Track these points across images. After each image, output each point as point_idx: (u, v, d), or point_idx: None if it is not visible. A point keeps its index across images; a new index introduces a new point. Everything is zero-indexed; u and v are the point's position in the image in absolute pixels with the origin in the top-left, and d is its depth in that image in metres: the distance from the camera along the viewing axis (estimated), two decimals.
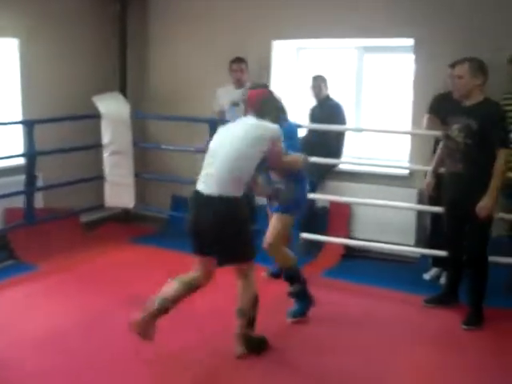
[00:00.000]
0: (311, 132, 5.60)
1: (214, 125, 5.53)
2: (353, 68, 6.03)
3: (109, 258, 5.29)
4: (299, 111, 6.14)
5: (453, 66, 4.23)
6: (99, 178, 5.68)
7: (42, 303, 4.28)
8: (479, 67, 3.96)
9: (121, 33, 6.56)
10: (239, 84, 5.74)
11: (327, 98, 5.69)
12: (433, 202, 4.71)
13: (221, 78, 5.80)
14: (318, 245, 5.47)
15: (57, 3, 5.97)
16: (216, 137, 3.52)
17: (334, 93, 5.77)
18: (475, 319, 4.05)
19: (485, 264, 4.10)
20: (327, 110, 5.61)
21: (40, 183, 5.53)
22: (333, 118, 5.49)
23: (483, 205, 3.88)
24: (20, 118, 5.64)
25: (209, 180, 3.33)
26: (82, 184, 5.79)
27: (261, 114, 3.53)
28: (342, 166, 5.70)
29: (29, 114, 5.57)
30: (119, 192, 5.55)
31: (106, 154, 5.62)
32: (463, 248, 4.17)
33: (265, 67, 6.03)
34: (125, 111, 5.74)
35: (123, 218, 6.33)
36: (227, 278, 3.51)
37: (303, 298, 4.10)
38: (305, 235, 5.26)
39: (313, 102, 5.79)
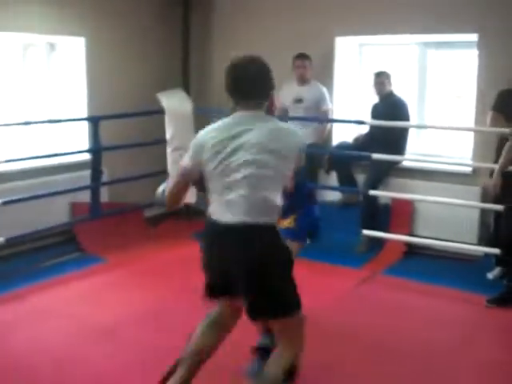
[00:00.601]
0: (374, 128, 5.55)
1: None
2: (416, 64, 5.94)
3: (172, 253, 5.39)
4: (362, 108, 6.10)
5: None
6: (162, 173, 5.76)
7: (109, 294, 4.41)
8: None
9: (184, 31, 6.70)
10: (302, 80, 5.74)
11: (390, 94, 5.61)
12: (497, 200, 4.61)
13: (284, 76, 5.79)
14: (380, 242, 5.41)
15: (122, 3, 6.13)
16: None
17: (397, 89, 5.69)
18: None
19: None
20: (390, 107, 5.54)
21: (105, 178, 5.68)
22: (396, 115, 5.42)
23: None
24: (86, 114, 5.81)
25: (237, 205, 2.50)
26: (145, 179, 5.90)
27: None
28: (405, 163, 5.61)
29: (94, 111, 5.73)
30: None
31: (168, 150, 5.70)
32: None
33: (327, 64, 6.01)
34: (187, 107, 5.81)
35: (185, 213, 6.42)
36: None
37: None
38: (366, 232, 5.22)
39: (375, 99, 5.73)
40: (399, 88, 5.75)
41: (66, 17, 5.65)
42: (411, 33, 5.62)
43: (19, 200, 4.79)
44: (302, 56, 5.69)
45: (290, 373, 2.84)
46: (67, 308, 4.14)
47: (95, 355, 3.44)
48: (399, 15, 5.53)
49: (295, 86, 5.77)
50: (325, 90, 5.81)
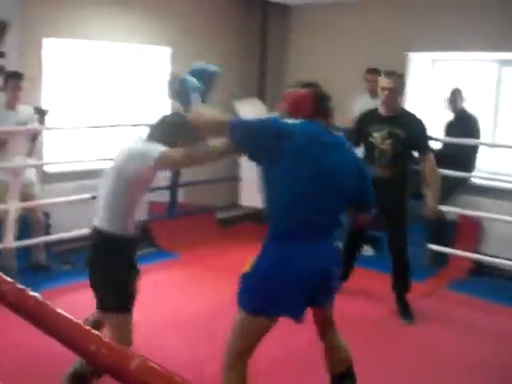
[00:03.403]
0: (447, 146, 5.62)
1: (349, 133, 5.74)
2: (490, 81, 5.97)
3: (242, 254, 5.60)
4: (433, 123, 6.17)
5: None
6: (236, 177, 6.03)
7: (182, 289, 4.71)
8: None
9: (261, 41, 6.98)
10: (374, 94, 5.88)
11: (463, 111, 5.67)
12: None
13: (356, 88, 5.97)
14: (445, 258, 5.46)
15: (204, 13, 6.49)
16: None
17: (470, 106, 5.74)
18: None
19: None
20: (462, 123, 5.59)
21: (181, 180, 5.99)
22: (467, 132, 5.46)
23: None
24: None
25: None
26: (220, 182, 6.19)
27: None
28: (474, 180, 5.66)
29: None
30: (254, 192, 5.85)
31: (243, 156, 5.96)
32: None
33: None
34: (262, 116, 6.05)
35: (256, 217, 6.66)
36: None
37: None
38: (432, 246, 5.30)
39: (449, 115, 5.79)
40: (473, 104, 5.80)
41: (155, 29, 6.03)
42: (486, 50, 5.68)
43: None
44: (373, 71, 5.83)
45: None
46: (144, 298, 4.40)
47: (173, 344, 3.72)
48: (473, 32, 5.60)
49: (368, 98, 5.90)
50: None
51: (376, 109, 4.43)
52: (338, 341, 2.82)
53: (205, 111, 2.76)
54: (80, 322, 1.20)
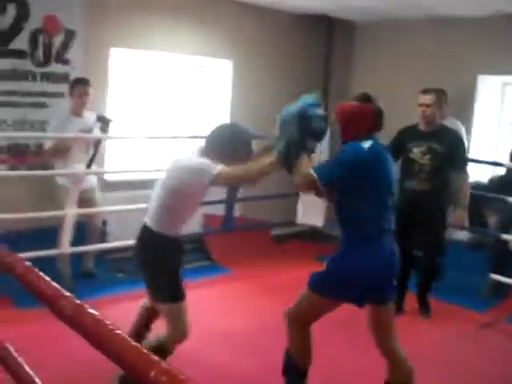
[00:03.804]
0: (510, 171, 5.41)
1: (388, 148, 5.59)
2: None
3: (294, 273, 5.51)
4: (500, 148, 5.97)
5: None
6: (293, 195, 5.95)
7: (233, 304, 4.65)
8: None
9: (325, 58, 6.91)
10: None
11: None
12: None
13: None
14: (507, 288, 5.23)
15: (267, 28, 6.46)
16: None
17: None
18: None
19: None
20: None
21: (239, 194, 5.95)
22: None
23: None
24: None
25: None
26: (276, 199, 6.13)
27: None
28: None
29: None
30: (310, 210, 5.79)
31: None
32: None
33: (468, 102, 5.95)
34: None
35: (311, 235, 6.58)
36: None
37: None
38: (494, 276, 5.08)
39: None
40: None
41: (217, 42, 6.06)
42: None
43: None
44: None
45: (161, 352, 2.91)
46: (195, 311, 4.38)
47: (222, 359, 3.67)
48: None
49: None
50: (462, 126, 5.63)
51: (416, 124, 4.62)
52: (396, 351, 2.95)
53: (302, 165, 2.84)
54: (138, 345, 1.14)
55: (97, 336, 1.20)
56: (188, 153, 3.07)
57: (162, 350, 3.00)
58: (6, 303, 4.23)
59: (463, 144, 4.61)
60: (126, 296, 4.74)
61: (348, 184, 2.81)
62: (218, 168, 2.86)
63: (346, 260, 2.88)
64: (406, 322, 4.52)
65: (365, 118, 2.83)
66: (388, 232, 2.88)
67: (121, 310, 4.47)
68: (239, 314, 4.44)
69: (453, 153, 4.45)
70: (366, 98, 2.88)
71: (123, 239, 5.04)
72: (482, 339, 4.45)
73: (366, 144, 2.79)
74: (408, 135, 4.61)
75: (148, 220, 3.10)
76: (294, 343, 2.96)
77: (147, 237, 3.10)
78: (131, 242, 4.95)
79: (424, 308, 4.82)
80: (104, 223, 5.32)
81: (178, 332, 3.09)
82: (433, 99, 4.52)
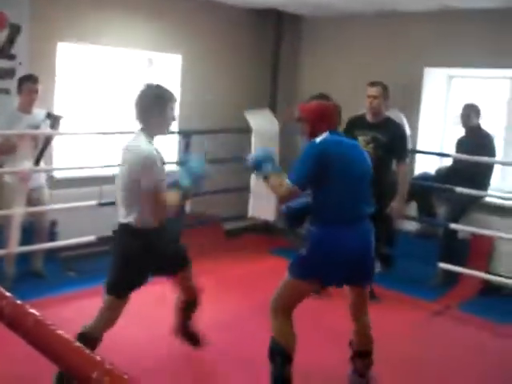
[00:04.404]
0: (458, 162, 5.53)
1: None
2: (506, 99, 5.89)
3: (248, 267, 5.56)
4: (446, 140, 6.10)
5: None
6: (244, 189, 5.96)
7: None
8: None
9: (274, 55, 6.94)
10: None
11: (477, 127, 5.53)
12: None
13: None
14: (455, 277, 5.34)
15: (217, 25, 6.43)
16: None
17: (486, 123, 5.63)
18: None
19: None
20: (476, 140, 5.45)
21: None
22: (481, 149, 5.31)
23: None
24: (177, 128, 6.08)
25: None
26: (228, 193, 6.12)
27: None
28: (488, 199, 5.56)
29: (184, 125, 5.94)
30: (262, 204, 5.80)
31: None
32: None
33: (414, 94, 6.05)
34: (274, 128, 5.99)
35: (263, 229, 6.59)
36: None
37: None
38: (443, 265, 5.18)
39: (462, 132, 5.69)
40: (488, 122, 5.71)
41: (166, 36, 6.00)
42: (502, 67, 5.59)
43: (113, 203, 5.08)
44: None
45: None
46: (145, 309, 4.33)
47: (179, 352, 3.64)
48: (490, 49, 5.53)
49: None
50: (403, 116, 5.71)
51: (364, 114, 4.85)
52: (367, 325, 3.35)
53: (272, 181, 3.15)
54: (80, 345, 1.12)
55: (37, 337, 1.17)
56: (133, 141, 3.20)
57: (88, 338, 3.05)
58: None
59: (405, 136, 4.85)
60: (77, 295, 4.68)
61: (315, 176, 3.04)
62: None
63: (318, 239, 3.07)
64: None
65: (331, 114, 3.12)
66: (360, 217, 3.11)
67: (72, 308, 4.42)
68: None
69: (395, 144, 4.67)
70: (324, 97, 3.17)
71: (74, 237, 4.97)
72: (433, 326, 4.55)
73: (317, 139, 3.06)
74: (356, 124, 4.82)
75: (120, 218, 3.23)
76: (280, 329, 3.12)
77: (120, 231, 3.27)
78: (80, 239, 4.95)
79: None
80: (53, 223, 5.21)
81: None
82: (379, 91, 4.76)
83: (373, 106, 4.73)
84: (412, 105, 6.03)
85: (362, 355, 3.36)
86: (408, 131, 5.78)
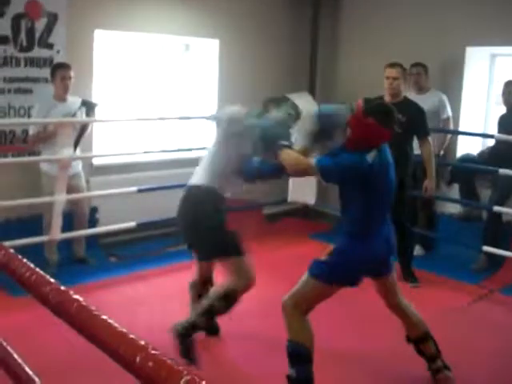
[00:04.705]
0: (500, 142, 5.38)
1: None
2: None
3: (287, 251, 5.54)
4: (490, 121, 5.94)
5: None
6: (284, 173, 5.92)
7: None
8: None
9: (312, 36, 6.85)
10: (419, 88, 5.62)
11: None
12: None
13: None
14: (500, 260, 5.23)
15: (254, 8, 6.37)
16: None
17: None
18: None
19: None
20: None
21: None
22: None
23: None
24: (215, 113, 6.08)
25: None
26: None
27: None
28: None
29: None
30: (302, 188, 5.76)
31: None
32: None
33: (456, 74, 5.92)
34: (313, 110, 5.93)
35: (303, 213, 6.57)
36: None
37: None
38: (487, 248, 5.07)
39: (503, 110, 5.50)
40: None
41: (202, 20, 5.97)
42: None
43: (152, 189, 5.15)
44: (416, 64, 5.61)
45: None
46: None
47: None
48: None
49: (414, 95, 5.65)
50: (445, 97, 5.66)
51: (382, 96, 4.82)
52: (406, 308, 3.31)
53: (293, 154, 3.14)
54: (123, 330, 1.11)
55: (81, 322, 1.17)
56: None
57: (230, 297, 3.36)
58: (1, 293, 4.20)
59: (424, 114, 4.84)
60: (120, 280, 4.75)
61: (347, 188, 3.09)
62: None
63: (350, 250, 3.07)
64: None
65: (377, 141, 2.99)
66: (384, 223, 3.15)
67: (116, 293, 4.48)
68: None
69: (415, 123, 4.69)
70: (385, 116, 3.01)
71: (114, 223, 5.02)
72: (476, 310, 4.46)
73: (369, 157, 2.94)
74: None
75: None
76: (298, 330, 3.04)
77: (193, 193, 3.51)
78: (121, 225, 5.01)
79: (409, 276, 4.91)
80: (94, 210, 5.28)
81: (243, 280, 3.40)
82: (399, 72, 4.81)
83: (393, 86, 4.76)
84: (454, 85, 5.88)
85: (421, 340, 3.33)
86: (449, 112, 5.69)
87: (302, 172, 3.21)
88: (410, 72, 5.61)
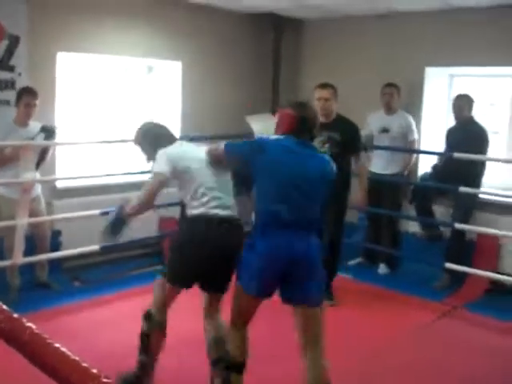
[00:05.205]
0: (449, 158, 5.24)
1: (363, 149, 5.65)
2: (508, 96, 5.85)
3: None
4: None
5: None
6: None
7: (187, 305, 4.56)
8: None
9: (275, 56, 6.93)
10: (389, 109, 5.76)
11: (470, 120, 5.36)
12: None
13: (372, 105, 5.88)
14: (462, 278, 5.28)
15: (216, 30, 6.43)
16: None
17: (486, 120, 5.58)
18: None
19: None
20: (467, 133, 5.26)
21: None
22: (473, 142, 5.14)
23: None
24: (178, 134, 6.07)
25: None
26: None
27: None
28: (487, 197, 5.43)
29: (186, 131, 5.91)
30: None
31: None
32: None
33: (416, 94, 6.04)
34: (266, 132, 5.97)
35: None
36: None
37: None
38: (449, 265, 5.13)
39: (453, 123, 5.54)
40: (490, 120, 5.67)
41: (165, 43, 6.01)
42: (504, 65, 5.56)
43: None
44: (389, 85, 5.73)
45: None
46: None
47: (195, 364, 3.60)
48: (491, 47, 5.51)
49: (382, 114, 5.81)
50: (412, 119, 5.79)
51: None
52: (317, 358, 2.90)
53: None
54: (76, 358, 1.10)
55: (33, 350, 1.15)
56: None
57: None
58: None
59: (358, 132, 4.90)
60: (84, 304, 4.67)
61: (248, 173, 3.01)
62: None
63: (248, 250, 2.94)
64: (360, 315, 4.58)
65: (286, 121, 3.03)
66: (289, 225, 2.86)
67: (79, 318, 4.42)
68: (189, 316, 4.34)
69: (350, 141, 4.74)
70: (298, 105, 3.11)
71: (77, 247, 4.95)
72: (440, 327, 4.51)
73: (274, 137, 3.04)
74: None
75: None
76: (233, 343, 3.01)
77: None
78: (84, 249, 4.94)
79: (327, 294, 4.70)
80: (57, 233, 5.21)
81: None
82: (330, 93, 4.77)
83: (325, 107, 4.73)
84: (414, 104, 6.01)
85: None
86: (415, 135, 5.77)
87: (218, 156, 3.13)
88: (384, 92, 5.72)
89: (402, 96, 5.81)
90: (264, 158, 2.92)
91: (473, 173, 5.25)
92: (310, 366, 2.88)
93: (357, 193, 4.98)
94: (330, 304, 4.63)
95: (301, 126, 2.99)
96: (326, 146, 4.68)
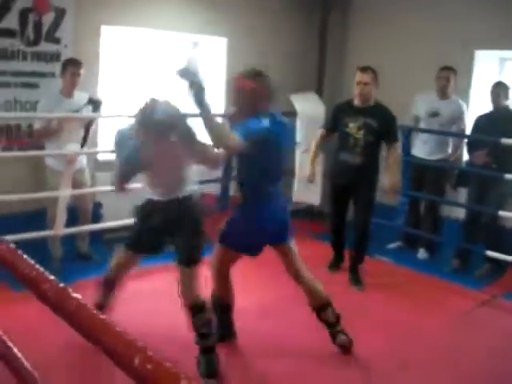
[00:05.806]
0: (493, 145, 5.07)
1: (408, 132, 5.53)
2: None
3: None
4: None
5: None
6: (289, 173, 5.90)
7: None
8: None
9: (321, 35, 6.81)
10: (443, 93, 5.55)
11: (505, 108, 5.19)
12: None
13: (419, 86, 5.74)
14: (503, 265, 5.18)
15: (263, 7, 6.35)
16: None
17: None
18: None
19: None
20: (503, 120, 5.09)
21: (234, 173, 5.89)
22: (508, 130, 4.94)
23: None
24: (222, 111, 6.06)
25: None
26: None
27: None
28: None
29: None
30: (307, 189, 5.73)
31: (298, 152, 5.84)
32: None
33: (465, 78, 5.87)
34: (320, 111, 5.91)
35: (308, 213, 6.55)
36: None
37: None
38: (489, 253, 5.05)
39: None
40: None
41: (211, 18, 5.96)
42: None
43: None
44: (446, 68, 5.50)
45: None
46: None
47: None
48: None
49: (434, 97, 5.54)
50: (465, 108, 5.57)
51: (351, 100, 4.84)
52: (308, 279, 3.56)
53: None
54: (122, 330, 1.10)
55: (79, 320, 1.16)
56: None
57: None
58: (3, 288, 4.19)
59: (395, 119, 4.77)
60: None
61: (246, 153, 3.18)
62: None
63: (236, 222, 3.45)
64: (398, 298, 4.54)
65: (265, 97, 3.23)
66: (274, 193, 3.41)
67: (120, 289, 4.46)
68: (238, 294, 4.39)
69: (386, 129, 4.67)
70: (257, 74, 3.33)
71: (118, 219, 5.01)
72: (478, 316, 4.43)
73: (266, 122, 3.19)
74: (344, 110, 4.84)
75: None
76: (218, 286, 3.57)
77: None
78: (124, 221, 4.99)
79: (354, 279, 4.88)
80: (98, 205, 5.28)
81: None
82: (371, 77, 4.67)
83: (363, 92, 4.66)
84: (462, 89, 5.84)
85: (322, 309, 3.57)
86: (465, 125, 5.58)
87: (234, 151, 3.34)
88: (440, 75, 5.49)
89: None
90: (269, 135, 3.18)
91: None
92: (307, 289, 3.55)
93: (391, 179, 4.74)
94: (357, 289, 4.75)
95: (273, 97, 3.29)
96: (361, 132, 4.64)
